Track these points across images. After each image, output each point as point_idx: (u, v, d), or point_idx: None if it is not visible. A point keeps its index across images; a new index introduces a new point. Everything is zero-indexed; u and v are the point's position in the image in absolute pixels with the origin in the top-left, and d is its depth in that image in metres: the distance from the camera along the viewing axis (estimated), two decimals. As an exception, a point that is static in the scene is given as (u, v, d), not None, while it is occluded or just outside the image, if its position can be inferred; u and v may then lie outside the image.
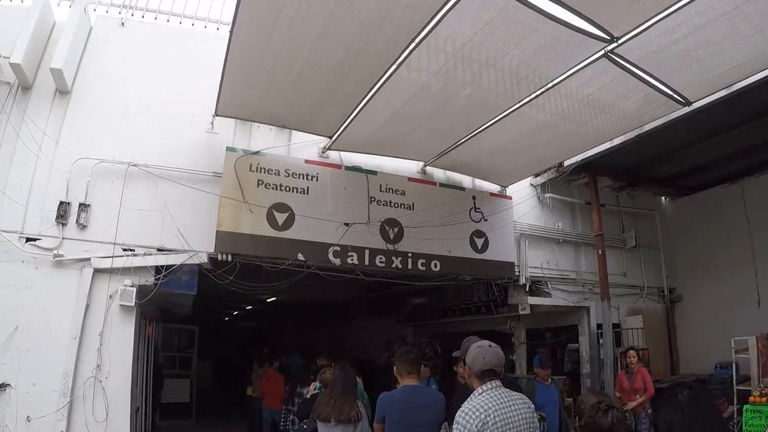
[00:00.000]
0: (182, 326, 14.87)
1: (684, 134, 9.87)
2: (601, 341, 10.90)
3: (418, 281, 10.45)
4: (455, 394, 5.52)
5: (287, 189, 8.55)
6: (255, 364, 12.29)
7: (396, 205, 9.22)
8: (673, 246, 13.10)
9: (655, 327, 12.09)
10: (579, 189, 11.79)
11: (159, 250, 8.06)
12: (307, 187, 8.66)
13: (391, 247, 8.92)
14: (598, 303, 11.14)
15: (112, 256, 7.88)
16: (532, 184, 11.14)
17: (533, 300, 10.42)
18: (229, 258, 8.10)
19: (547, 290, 10.64)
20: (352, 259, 8.61)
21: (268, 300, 19.03)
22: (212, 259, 8.18)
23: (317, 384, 7.25)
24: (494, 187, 10.47)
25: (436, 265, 9.24)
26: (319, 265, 8.66)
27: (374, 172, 9.22)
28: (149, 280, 7.98)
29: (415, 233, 9.16)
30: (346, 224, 8.60)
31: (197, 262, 8.07)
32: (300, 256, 8.31)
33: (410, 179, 9.57)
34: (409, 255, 9.06)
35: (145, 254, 8.00)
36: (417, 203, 9.37)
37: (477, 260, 9.73)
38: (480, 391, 3.76)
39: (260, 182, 8.43)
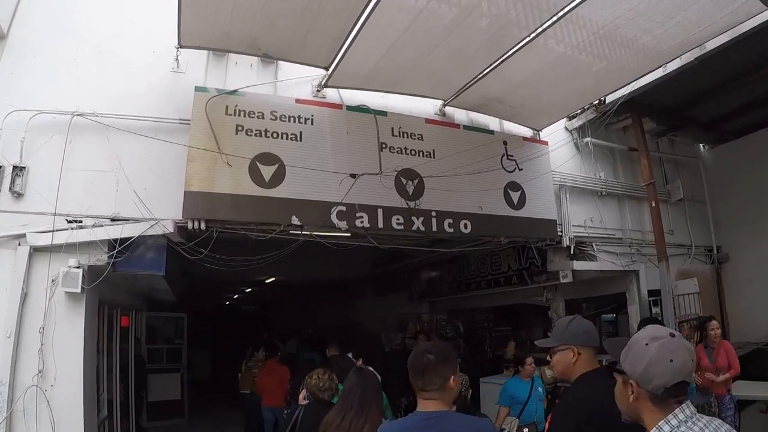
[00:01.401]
0: (168, 314, 12.21)
1: (743, 60, 7.67)
2: (654, 310, 8.61)
3: (444, 248, 8.08)
4: (554, 416, 3.11)
5: (274, 135, 6.19)
6: (248, 352, 9.81)
7: (413, 152, 6.85)
8: (715, 199, 10.71)
9: (705, 291, 9.76)
10: (617, 134, 9.42)
11: (113, 220, 5.77)
12: (300, 133, 6.29)
13: (410, 204, 6.55)
14: (648, 266, 8.84)
15: (52, 230, 5.61)
16: (567, 128, 8.75)
17: (578, 265, 8.06)
18: (203, 226, 5.78)
19: (592, 253, 8.30)
20: (361, 222, 6.27)
21: (267, 281, 16.30)
22: (181, 229, 5.87)
23: (305, 393, 4.96)
24: (526, 131, 8.08)
25: (466, 226, 6.89)
26: (320, 231, 6.30)
27: (384, 113, 6.84)
28: (101, 258, 5.72)
29: (439, 186, 6.80)
30: (353, 176, 6.25)
31: (160, 232, 5.74)
32: (294, 220, 5.97)
33: (428, 121, 7.19)
34: (433, 214, 6.70)
35: (94, 226, 5.68)
36: (438, 150, 7.00)
37: (513, 218, 7.38)
38: (668, 427, 1.87)
39: (239, 128, 6.08)
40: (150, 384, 10.21)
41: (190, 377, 12.55)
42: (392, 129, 6.79)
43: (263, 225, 5.99)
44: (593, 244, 8.32)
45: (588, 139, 8.59)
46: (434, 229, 6.63)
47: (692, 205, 10.21)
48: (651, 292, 8.76)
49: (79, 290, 5.41)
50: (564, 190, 8.15)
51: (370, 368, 4.83)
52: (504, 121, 7.86)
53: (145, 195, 5.82)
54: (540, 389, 6.96)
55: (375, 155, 6.51)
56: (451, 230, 6.75)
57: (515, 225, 7.36)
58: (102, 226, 5.69)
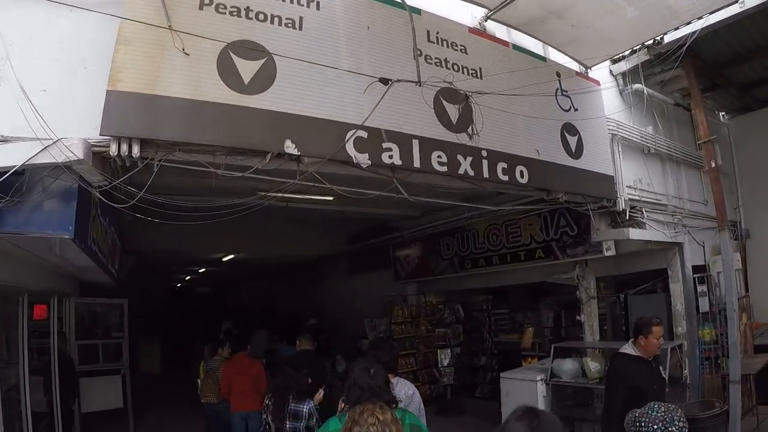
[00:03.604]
0: (103, 301, 8.37)
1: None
2: (700, 288, 6.46)
3: (489, 205, 5.67)
4: None
5: (261, 17, 3.51)
6: (207, 349, 6.74)
7: (455, 67, 4.29)
8: (736, 171, 8.65)
9: (732, 269, 7.70)
10: (656, 86, 7.08)
11: None
12: (300, 18, 3.63)
13: (458, 138, 4.01)
14: (690, 239, 6.67)
15: None
16: (611, 72, 6.35)
17: (635, 233, 5.72)
18: (136, 151, 3.06)
19: (642, 220, 5.99)
20: (390, 157, 3.68)
21: (224, 259, 12.85)
22: (100, 159, 3.12)
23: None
24: (574, 65, 5.61)
25: (522, 174, 4.41)
26: (327, 171, 3.66)
27: (417, 11, 4.23)
28: (-35, 207, 2.97)
29: (490, 118, 4.29)
30: (384, 81, 3.65)
31: (62, 159, 2.96)
32: (289, 146, 3.32)
33: (472, 31, 4.63)
34: (484, 154, 4.19)
35: (-48, 148, 2.96)
36: (486, 69, 4.47)
37: (572, 170, 4.97)
38: None
39: (207, 0, 3.35)
40: (83, 390, 7.08)
41: (137, 374, 9.23)
42: (428, 33, 4.21)
43: (237, 154, 3.32)
44: (643, 209, 6.03)
45: (639, 85, 6.23)
46: (486, 174, 4.13)
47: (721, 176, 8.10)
48: (696, 268, 6.62)
49: None
50: (616, 142, 5.80)
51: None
52: (550, 49, 5.38)
53: (44, 101, 3.08)
54: None
55: (410, 62, 3.92)
56: (506, 178, 4.26)
57: (575, 178, 4.95)
58: (-42, 145, 2.95)
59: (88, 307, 8.03)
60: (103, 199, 3.23)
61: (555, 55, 5.46)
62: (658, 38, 5.89)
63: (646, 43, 5.98)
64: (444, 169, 3.88)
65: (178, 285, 23.00)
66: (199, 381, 6.21)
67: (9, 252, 4.04)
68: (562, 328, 8.07)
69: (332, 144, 3.44)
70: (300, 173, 3.48)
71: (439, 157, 3.86)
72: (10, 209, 3.11)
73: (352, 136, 3.49)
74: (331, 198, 5.17)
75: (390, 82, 3.60)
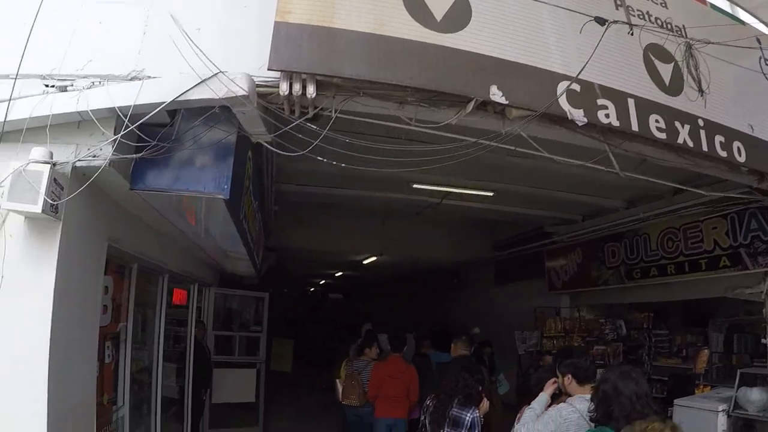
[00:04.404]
0: (244, 293, 8.11)
1: None
2: None
3: (663, 203, 4.77)
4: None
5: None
6: (353, 349, 6.34)
7: (659, 21, 3.45)
8: None
9: None
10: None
11: (132, 80, 2.43)
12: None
13: (674, 102, 3.17)
14: None
15: (9, 99, 2.33)
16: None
17: None
18: (311, 90, 2.39)
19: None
20: (606, 115, 2.84)
21: (365, 261, 12.00)
22: (263, 101, 2.49)
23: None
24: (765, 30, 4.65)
25: (739, 151, 3.44)
26: (527, 133, 2.86)
27: (604, -41, 3.46)
28: (100, 153, 2.36)
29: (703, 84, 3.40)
30: (600, 21, 2.85)
31: (222, 95, 2.30)
32: (495, 94, 2.55)
33: (667, -16, 3.81)
34: (700, 123, 3.27)
35: (91, 86, 2.39)
36: (688, 27, 3.60)
37: (787, 150, 3.97)
38: None
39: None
40: (216, 381, 6.61)
41: (268, 371, 8.68)
42: (623, -16, 3.44)
43: (431, 103, 2.60)
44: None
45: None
46: (704, 147, 3.20)
47: None
48: None
49: (39, 208, 2.11)
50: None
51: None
52: (739, 11, 4.46)
53: (200, 39, 2.49)
54: None
55: (612, 12, 3.13)
56: (724, 154, 3.30)
57: (788, 163, 3.97)
58: (102, 84, 2.40)
59: (226, 298, 7.81)
60: (268, 146, 2.60)
61: (745, 16, 4.55)
62: None
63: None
64: (663, 136, 2.99)
65: (312, 289, 22.89)
66: (338, 381, 5.59)
67: (150, 223, 3.49)
68: (733, 354, 6.80)
69: (540, 96, 2.65)
70: (505, 133, 2.72)
71: (657, 121, 2.99)
72: (156, 164, 2.53)
73: (563, 87, 2.69)
74: (491, 193, 4.46)
75: (607, 23, 2.82)
